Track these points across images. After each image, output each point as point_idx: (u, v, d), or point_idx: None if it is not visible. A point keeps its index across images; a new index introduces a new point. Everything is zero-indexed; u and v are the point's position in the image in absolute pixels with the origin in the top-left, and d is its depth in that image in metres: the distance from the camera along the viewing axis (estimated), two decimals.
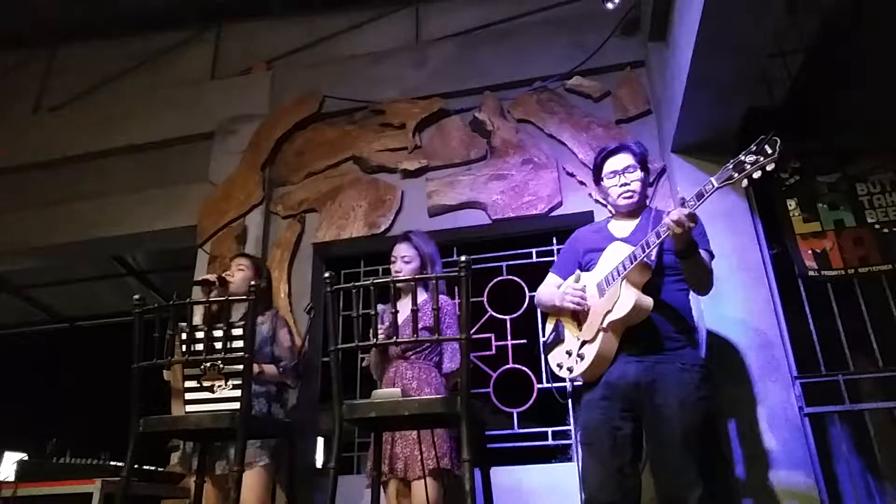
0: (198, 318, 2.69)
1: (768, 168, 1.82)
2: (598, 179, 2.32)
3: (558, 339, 2.21)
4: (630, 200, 2.22)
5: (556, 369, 2.19)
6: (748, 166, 1.84)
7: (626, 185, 2.22)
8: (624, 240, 2.15)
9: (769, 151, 1.82)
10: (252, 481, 2.46)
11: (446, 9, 4.16)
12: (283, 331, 2.83)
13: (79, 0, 4.49)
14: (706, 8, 2.21)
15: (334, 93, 3.88)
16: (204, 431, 2.14)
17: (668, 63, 3.02)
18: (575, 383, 2.24)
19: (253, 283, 2.56)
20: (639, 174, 2.23)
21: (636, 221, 2.23)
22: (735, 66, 2.51)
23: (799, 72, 3.35)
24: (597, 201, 2.59)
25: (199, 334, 2.09)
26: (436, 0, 4.20)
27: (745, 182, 1.86)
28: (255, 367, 2.59)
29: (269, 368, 2.67)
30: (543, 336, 2.32)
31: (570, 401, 2.91)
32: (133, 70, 4.57)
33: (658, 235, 1.96)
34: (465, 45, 3.87)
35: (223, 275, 2.80)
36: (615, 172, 2.24)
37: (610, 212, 2.42)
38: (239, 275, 2.83)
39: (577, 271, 2.25)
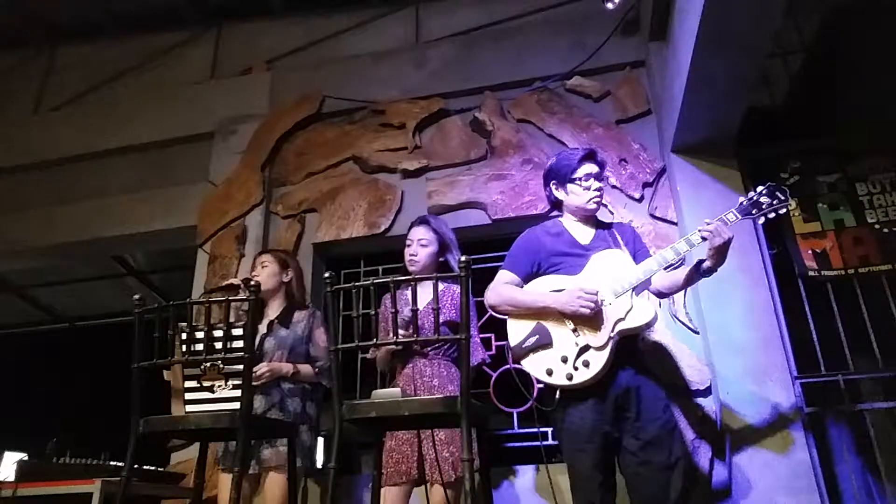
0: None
1: (781, 212, 2.10)
2: (568, 180, 2.26)
3: (543, 344, 2.07)
4: (597, 206, 2.26)
5: (543, 376, 2.05)
6: (764, 206, 2.10)
7: (598, 190, 2.25)
8: (592, 247, 2.18)
9: (781, 198, 2.09)
10: (281, 483, 2.44)
11: (446, 9, 4.16)
12: (319, 330, 2.71)
13: (79, 0, 4.49)
14: (706, 8, 2.21)
15: (334, 93, 3.88)
16: (204, 431, 2.13)
17: (668, 63, 3.02)
18: (557, 389, 2.14)
19: (252, 282, 2.53)
20: (603, 184, 2.31)
21: (592, 230, 2.26)
22: (735, 66, 2.51)
23: (799, 72, 3.35)
24: (554, 199, 2.40)
25: (199, 334, 2.08)
26: (436, 0, 4.20)
27: (762, 219, 2.12)
28: (291, 367, 2.58)
29: (305, 368, 2.62)
30: (516, 339, 2.12)
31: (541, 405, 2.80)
32: (133, 70, 4.57)
33: (677, 252, 2.06)
34: (465, 45, 3.87)
35: (251, 275, 2.74)
36: (590, 176, 2.24)
37: (558, 213, 2.38)
38: (264, 272, 2.75)
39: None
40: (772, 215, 2.10)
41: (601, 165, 2.29)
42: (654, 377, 2.10)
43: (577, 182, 2.24)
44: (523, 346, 2.09)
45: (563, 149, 3.38)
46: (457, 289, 2.53)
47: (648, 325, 2.07)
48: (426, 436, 2.35)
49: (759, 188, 2.11)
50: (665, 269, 2.11)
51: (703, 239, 2.01)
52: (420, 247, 2.53)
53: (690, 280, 2.10)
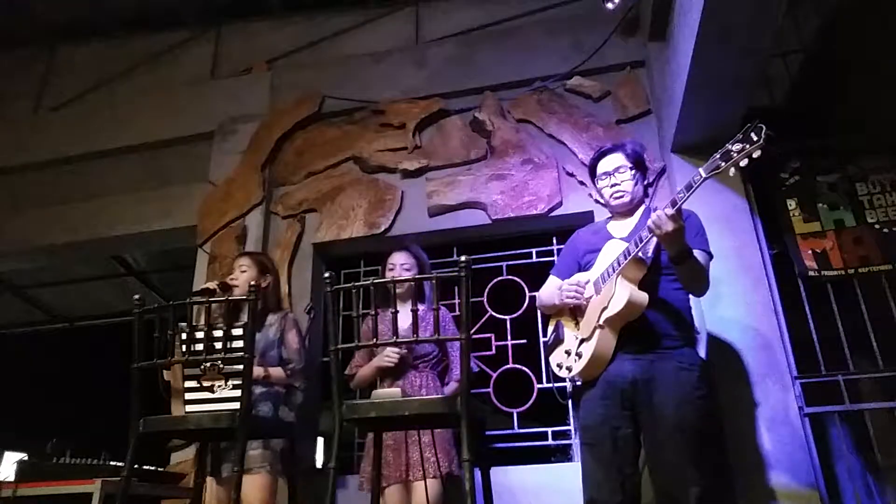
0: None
1: (754, 155, 1.82)
2: (593, 181, 2.36)
3: (558, 340, 2.21)
4: (621, 200, 2.23)
5: (556, 370, 2.19)
6: (734, 154, 1.84)
7: (616, 185, 2.23)
8: (627, 240, 2.14)
9: (754, 139, 1.82)
10: (256, 486, 2.43)
11: (446, 9, 4.16)
12: (291, 332, 2.76)
13: (79, 0, 4.49)
14: (706, 8, 2.21)
15: (334, 93, 3.88)
16: (204, 431, 2.14)
17: (668, 63, 3.02)
18: (576, 383, 2.22)
19: (253, 282, 2.55)
20: (630, 174, 2.23)
21: (635, 221, 2.24)
22: (735, 66, 2.51)
23: (799, 72, 3.35)
24: (597, 201, 2.65)
25: (199, 334, 2.08)
26: (436, 0, 4.20)
27: (732, 171, 1.86)
28: (261, 371, 2.58)
29: (276, 371, 2.63)
30: (545, 338, 2.32)
31: (570, 401, 2.91)
32: (133, 70, 4.57)
33: (641, 238, 1.98)
34: (465, 45, 3.87)
35: (227, 280, 2.76)
36: (606, 174, 2.26)
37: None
38: (242, 276, 2.78)
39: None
40: (743, 162, 1.83)
41: (629, 154, 2.25)
42: (683, 366, 1.98)
43: (597, 182, 2.32)
44: (548, 342, 2.26)
45: (562, 149, 3.42)
46: (441, 311, 2.63)
47: (629, 310, 1.97)
48: (413, 440, 2.38)
49: (738, 135, 1.86)
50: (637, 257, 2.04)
51: (650, 230, 1.92)
52: (404, 270, 2.71)
53: (681, 272, 2.05)
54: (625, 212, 2.27)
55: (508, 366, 3.17)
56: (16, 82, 4.80)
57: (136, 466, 2.17)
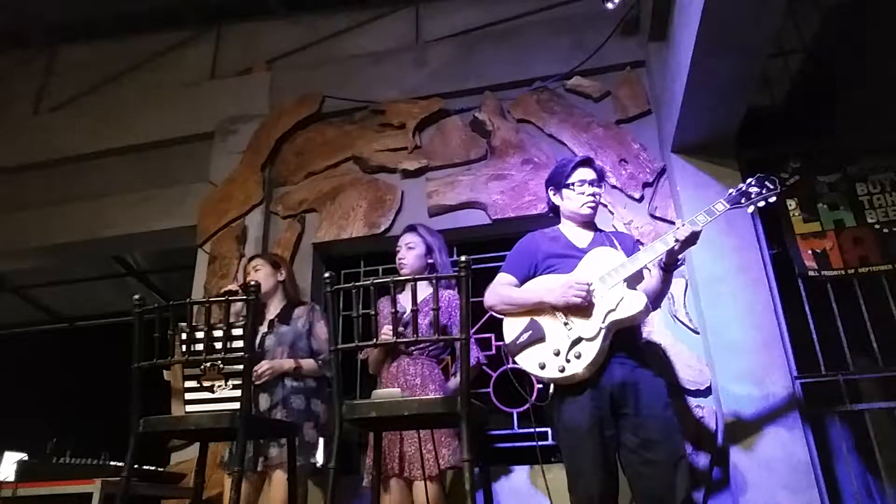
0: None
1: (771, 200, 2.14)
2: (563, 185, 2.31)
3: (537, 338, 2.09)
4: (592, 210, 2.30)
5: (535, 370, 2.06)
6: (753, 196, 2.13)
7: (592, 195, 2.28)
8: (588, 249, 2.20)
9: (770, 187, 2.12)
10: (282, 482, 2.45)
11: (446, 9, 4.16)
12: (320, 323, 2.77)
13: (79, 0, 4.49)
14: (706, 8, 2.21)
15: (334, 93, 3.88)
16: (204, 431, 2.14)
17: (668, 63, 3.02)
18: (543, 385, 2.19)
19: (253, 282, 2.54)
20: (600, 190, 2.33)
21: (591, 234, 2.30)
22: (735, 66, 2.51)
23: (799, 72, 3.35)
24: (551, 202, 2.52)
25: (199, 334, 2.08)
26: (436, 0, 4.20)
27: (751, 208, 2.15)
28: (292, 363, 2.61)
29: (307, 363, 2.66)
30: (511, 336, 2.15)
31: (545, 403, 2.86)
32: (133, 70, 4.57)
33: (666, 243, 2.06)
34: (465, 45, 3.87)
35: (246, 281, 2.76)
36: (584, 181, 2.29)
37: (556, 218, 2.42)
38: (259, 274, 2.80)
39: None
40: (761, 204, 2.13)
41: (599, 172, 2.34)
42: (656, 374, 2.10)
43: (571, 187, 2.30)
44: (517, 342, 2.11)
45: (562, 149, 3.41)
46: (448, 292, 2.60)
47: (640, 316, 2.06)
48: (407, 434, 2.36)
49: (749, 179, 2.16)
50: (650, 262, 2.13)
51: (677, 241, 2.05)
52: (407, 250, 2.65)
53: (666, 280, 2.16)
54: (581, 223, 2.32)
55: (508, 366, 3.16)
56: (16, 82, 4.81)
57: (136, 466, 2.17)
